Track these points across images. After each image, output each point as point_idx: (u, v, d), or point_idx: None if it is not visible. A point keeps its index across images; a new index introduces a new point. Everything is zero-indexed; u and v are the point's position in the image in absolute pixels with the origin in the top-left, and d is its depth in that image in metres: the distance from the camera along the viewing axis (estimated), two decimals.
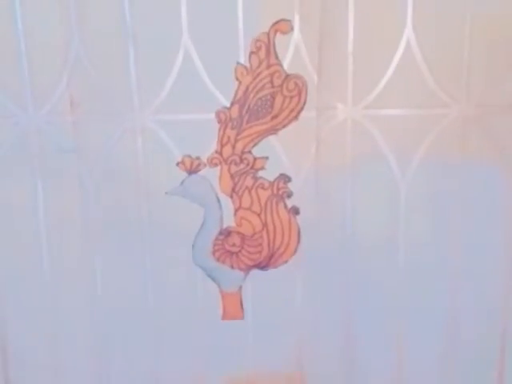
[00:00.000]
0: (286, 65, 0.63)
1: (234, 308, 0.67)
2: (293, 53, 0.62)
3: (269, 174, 0.65)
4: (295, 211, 0.65)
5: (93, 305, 0.66)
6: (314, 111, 0.62)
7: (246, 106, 0.63)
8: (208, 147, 0.65)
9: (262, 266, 0.66)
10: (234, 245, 0.67)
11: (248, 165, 0.64)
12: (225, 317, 0.66)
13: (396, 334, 0.65)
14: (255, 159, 0.64)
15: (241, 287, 0.67)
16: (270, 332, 0.69)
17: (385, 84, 0.62)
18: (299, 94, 0.62)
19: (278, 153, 0.65)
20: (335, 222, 0.60)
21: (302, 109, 0.62)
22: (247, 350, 0.69)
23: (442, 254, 0.64)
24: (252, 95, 0.62)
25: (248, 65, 0.63)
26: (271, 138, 0.64)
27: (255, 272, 0.67)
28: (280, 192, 0.64)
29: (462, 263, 0.65)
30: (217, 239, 0.66)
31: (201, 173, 0.66)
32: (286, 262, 0.66)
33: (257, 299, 0.68)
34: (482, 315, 0.65)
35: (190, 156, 0.65)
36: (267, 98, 0.62)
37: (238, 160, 0.64)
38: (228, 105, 0.64)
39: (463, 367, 0.67)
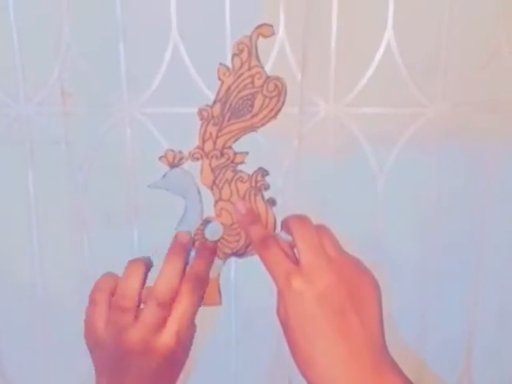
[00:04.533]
0: (270, 63, 0.70)
1: (212, 295, 0.75)
2: (277, 51, 0.69)
3: (249, 168, 0.73)
4: (272, 202, 0.72)
5: (81, 293, 0.71)
6: (296, 108, 0.69)
7: (228, 105, 0.69)
8: (194, 140, 0.72)
9: (240, 253, 0.75)
10: None
11: (228, 159, 0.72)
12: (203, 303, 0.72)
13: None
14: (235, 154, 0.72)
15: (219, 274, 0.73)
16: (251, 320, 0.76)
17: (365, 83, 0.70)
18: (279, 94, 0.69)
19: (259, 148, 0.73)
20: (313, 213, 0.66)
21: (280, 109, 0.70)
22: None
23: (416, 249, 0.75)
24: (234, 95, 0.69)
25: (230, 66, 0.68)
26: (253, 134, 0.72)
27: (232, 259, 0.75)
28: (258, 184, 0.72)
29: (437, 258, 0.75)
30: (197, 229, 0.74)
31: (183, 166, 0.73)
32: None
33: (234, 285, 0.75)
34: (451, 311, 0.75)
35: (172, 150, 0.71)
36: (248, 97, 0.69)
37: (218, 154, 0.71)
38: (211, 99, 0.70)
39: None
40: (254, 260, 0.69)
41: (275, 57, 0.70)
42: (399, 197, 0.73)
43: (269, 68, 0.70)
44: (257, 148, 0.73)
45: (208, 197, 0.74)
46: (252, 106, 0.70)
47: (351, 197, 0.74)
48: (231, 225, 0.74)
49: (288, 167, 0.73)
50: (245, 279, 0.76)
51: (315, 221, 0.66)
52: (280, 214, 0.73)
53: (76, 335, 0.68)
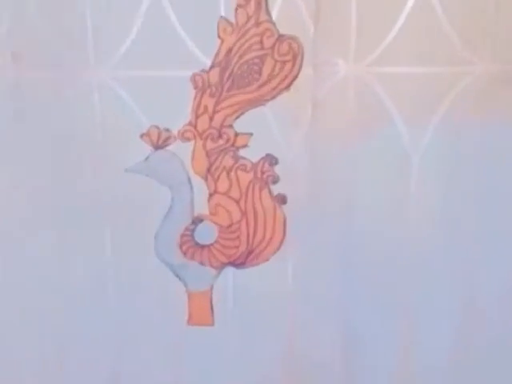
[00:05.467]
0: (275, 11, 0.54)
1: (202, 311, 0.61)
2: None
3: (253, 153, 0.58)
4: (281, 200, 0.58)
5: (54, 296, 0.62)
6: (309, 68, 0.55)
7: (229, 71, 0.56)
8: (180, 116, 0.57)
9: (238, 263, 0.60)
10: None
11: (228, 141, 0.57)
12: (191, 321, 0.58)
13: (404, 328, 0.58)
14: (237, 135, 0.58)
15: (212, 287, 0.59)
16: (250, 342, 0.61)
17: (394, 36, 0.55)
18: (294, 58, 0.55)
19: (268, 128, 0.57)
20: (331, 206, 0.54)
21: (295, 77, 0.55)
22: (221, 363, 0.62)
23: (458, 231, 0.59)
24: (236, 58, 0.55)
25: (233, 21, 0.53)
26: (261, 110, 0.57)
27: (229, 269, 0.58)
28: (264, 176, 0.58)
29: (479, 240, 0.59)
30: (186, 229, 0.59)
31: (170, 148, 0.58)
32: (267, 259, 0.60)
33: (232, 301, 0.60)
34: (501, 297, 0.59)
35: (157, 127, 0.57)
36: (255, 61, 0.55)
37: (215, 135, 0.57)
38: (206, 64, 0.56)
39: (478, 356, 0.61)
40: (257, 270, 0.57)
41: (281, 5, 0.54)
42: (437, 174, 0.58)
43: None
44: (265, 127, 0.57)
45: (201, 189, 0.59)
46: (259, 72, 0.56)
47: (378, 179, 0.58)
48: (229, 226, 0.59)
49: (299, 147, 0.57)
50: (245, 293, 0.61)
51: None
52: (292, 206, 0.58)
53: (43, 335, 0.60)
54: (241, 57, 0.55)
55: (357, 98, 0.56)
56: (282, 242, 0.59)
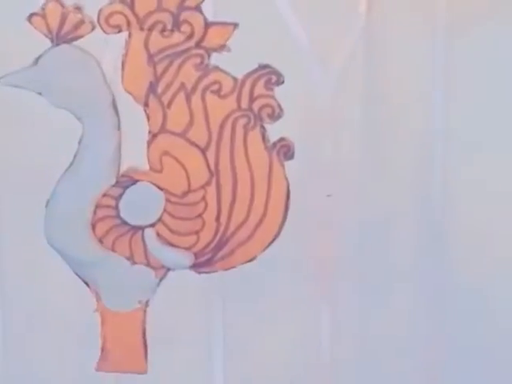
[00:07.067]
0: None
1: (127, 347, 0.36)
2: None
3: (237, 61, 0.34)
4: (285, 151, 0.34)
5: None
6: None
7: None
8: None
9: (200, 262, 0.36)
10: None
11: (191, 37, 0.34)
12: (105, 363, 0.34)
13: None
14: (208, 26, 0.34)
15: (146, 305, 0.33)
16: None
17: None
18: None
19: (266, 9, 0.32)
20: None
21: None
22: None
23: None
24: None
25: None
26: None
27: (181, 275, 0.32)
28: (256, 106, 0.34)
29: None
30: (105, 196, 0.34)
31: (82, 42, 0.34)
32: (253, 257, 0.35)
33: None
34: None
35: (59, 2, 0.32)
36: None
37: (167, 23, 0.32)
38: None
39: None
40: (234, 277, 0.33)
41: None
42: None
43: None
44: (263, 11, 0.34)
45: (136, 122, 0.34)
46: None
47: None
48: (185, 194, 0.34)
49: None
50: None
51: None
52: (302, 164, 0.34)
53: None
54: None
55: None
56: (280, 226, 0.34)
